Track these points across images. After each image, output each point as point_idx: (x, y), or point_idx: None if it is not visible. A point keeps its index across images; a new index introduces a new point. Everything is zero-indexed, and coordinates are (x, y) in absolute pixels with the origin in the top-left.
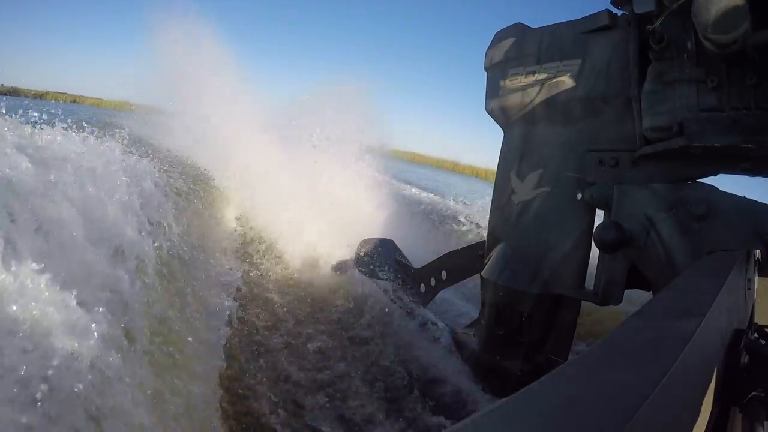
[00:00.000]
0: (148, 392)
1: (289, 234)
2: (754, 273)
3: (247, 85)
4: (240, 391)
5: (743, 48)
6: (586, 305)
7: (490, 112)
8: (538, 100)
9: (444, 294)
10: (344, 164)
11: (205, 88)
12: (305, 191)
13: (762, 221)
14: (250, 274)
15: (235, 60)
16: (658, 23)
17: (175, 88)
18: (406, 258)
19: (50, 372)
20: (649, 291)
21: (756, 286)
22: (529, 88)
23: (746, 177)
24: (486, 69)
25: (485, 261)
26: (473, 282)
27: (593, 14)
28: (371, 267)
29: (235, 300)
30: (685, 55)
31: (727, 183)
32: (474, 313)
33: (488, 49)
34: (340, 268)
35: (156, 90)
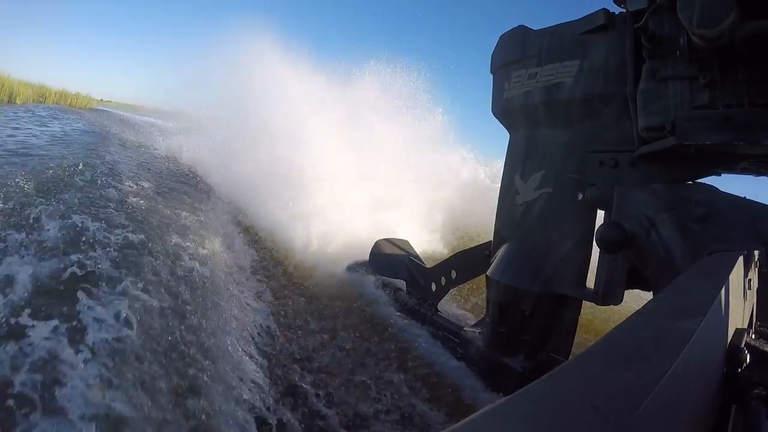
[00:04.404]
0: None
1: None
2: (755, 273)
3: None
4: None
5: (731, 41)
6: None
7: (496, 115)
8: (539, 102)
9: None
10: None
11: None
12: None
13: (762, 221)
14: None
15: None
16: (643, 20)
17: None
18: (419, 258)
19: None
20: (649, 291)
21: (756, 286)
22: (531, 90)
23: (746, 177)
24: (492, 72)
25: (491, 260)
26: None
27: (590, 14)
28: (385, 266)
29: None
30: (678, 52)
31: (727, 183)
32: None
33: (493, 52)
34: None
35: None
